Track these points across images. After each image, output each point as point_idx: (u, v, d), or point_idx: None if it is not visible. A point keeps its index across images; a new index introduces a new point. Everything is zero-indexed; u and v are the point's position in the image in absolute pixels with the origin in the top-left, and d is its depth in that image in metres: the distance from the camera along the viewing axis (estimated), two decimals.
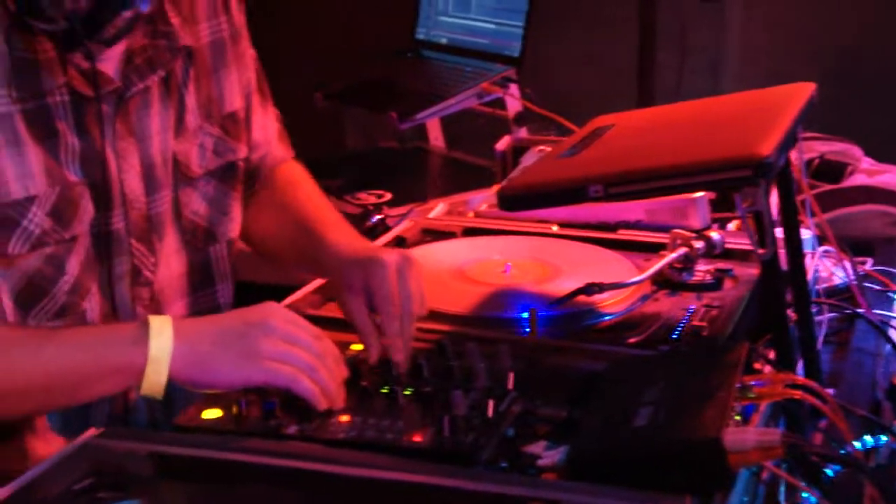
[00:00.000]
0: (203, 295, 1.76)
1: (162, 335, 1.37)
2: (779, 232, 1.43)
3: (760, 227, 1.33)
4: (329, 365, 1.37)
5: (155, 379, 1.35)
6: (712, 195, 1.90)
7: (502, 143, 2.40)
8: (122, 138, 1.58)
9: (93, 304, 1.58)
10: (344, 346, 1.49)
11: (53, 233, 1.52)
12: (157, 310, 1.67)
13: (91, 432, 1.27)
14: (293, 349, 1.37)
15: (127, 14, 1.49)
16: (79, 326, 1.51)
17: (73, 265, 1.55)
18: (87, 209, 1.55)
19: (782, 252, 1.45)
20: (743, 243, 1.73)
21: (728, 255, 1.71)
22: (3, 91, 1.45)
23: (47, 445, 1.54)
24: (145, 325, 1.37)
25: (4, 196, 1.47)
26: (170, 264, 1.68)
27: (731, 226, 1.91)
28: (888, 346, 1.73)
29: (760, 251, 1.34)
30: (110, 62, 1.54)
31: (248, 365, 1.36)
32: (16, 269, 1.50)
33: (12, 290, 1.51)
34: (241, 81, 1.76)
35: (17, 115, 1.47)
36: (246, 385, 1.35)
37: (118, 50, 1.54)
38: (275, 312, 1.41)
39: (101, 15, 1.47)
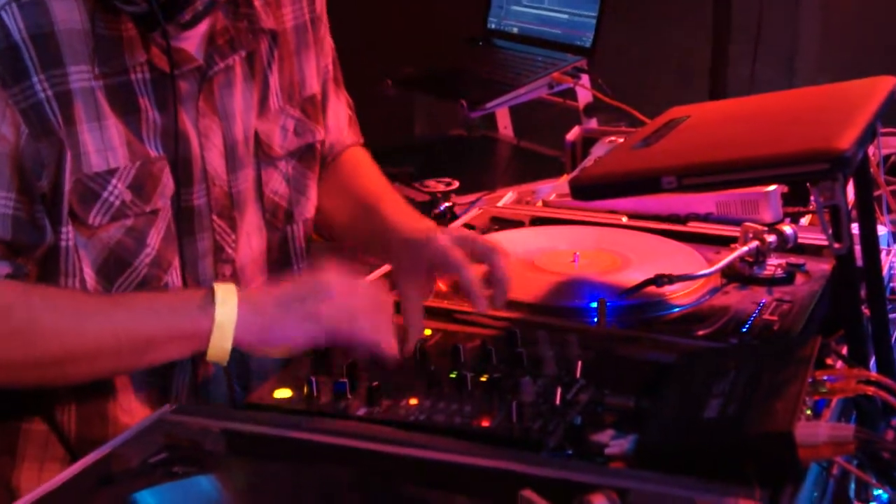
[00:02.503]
0: (281, 273, 1.77)
1: (227, 303, 1.43)
2: (854, 227, 1.42)
3: (836, 221, 1.32)
4: (387, 311, 1.47)
5: (220, 345, 1.42)
6: (785, 189, 1.90)
7: (572, 134, 2.40)
8: (205, 116, 1.61)
9: (175, 279, 1.61)
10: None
11: (133, 206, 1.55)
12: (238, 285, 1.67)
13: (167, 408, 1.30)
14: (352, 303, 1.45)
15: (199, 4, 1.53)
16: (149, 292, 1.55)
17: (154, 238, 1.58)
18: (168, 184, 1.57)
19: (857, 248, 1.44)
20: (815, 238, 1.72)
21: (800, 249, 1.70)
22: (85, 67, 1.48)
23: (127, 415, 1.58)
24: (211, 293, 1.43)
25: (87, 168, 1.50)
26: (250, 242, 1.71)
27: (804, 220, 1.90)
28: None
29: (836, 245, 1.33)
30: (192, 41, 1.58)
31: (309, 326, 1.43)
32: (97, 240, 1.54)
33: (94, 261, 1.55)
34: (319, 67, 1.79)
35: (98, 91, 1.50)
36: (309, 346, 1.42)
37: (200, 30, 1.57)
38: (330, 270, 1.48)
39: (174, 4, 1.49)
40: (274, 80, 1.72)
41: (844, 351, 1.39)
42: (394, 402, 1.31)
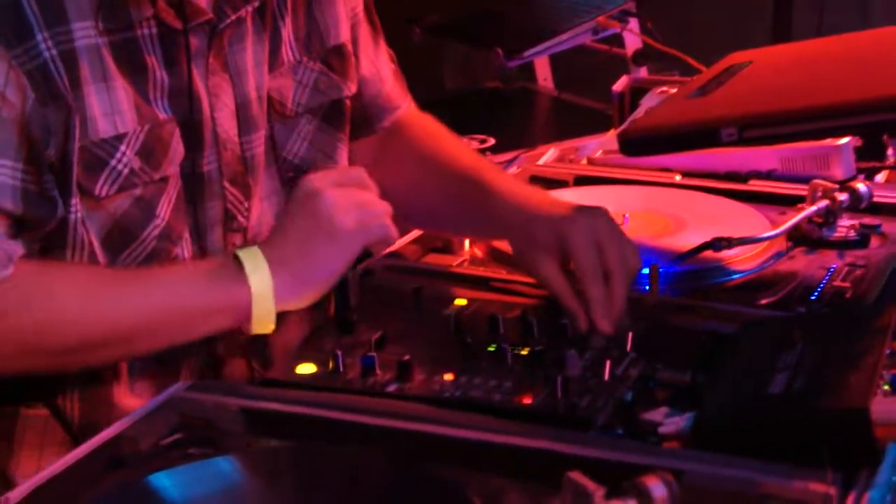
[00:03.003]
0: None
1: (259, 269, 1.45)
2: None
3: None
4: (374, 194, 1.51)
5: (264, 314, 1.44)
6: (858, 142, 1.89)
7: (620, 84, 2.40)
8: (215, 74, 1.59)
9: (184, 251, 1.60)
10: (447, 300, 1.51)
11: (142, 173, 1.53)
12: None
13: (180, 385, 1.31)
14: (362, 208, 1.47)
15: None
16: (168, 266, 1.54)
17: (164, 208, 1.57)
18: (178, 149, 1.56)
19: None
20: (892, 196, 1.72)
21: (875, 209, 1.70)
22: (89, 23, 1.46)
23: (133, 397, 1.58)
24: (238, 262, 1.45)
25: (93, 134, 1.48)
26: (265, 210, 1.69)
27: (880, 177, 1.89)
28: None
29: None
30: None
31: (338, 248, 1.46)
32: (103, 212, 1.52)
33: (99, 234, 1.53)
34: (347, 12, 1.76)
35: (104, 48, 1.48)
36: (349, 264, 1.48)
37: None
38: (324, 188, 1.48)
39: None
40: (287, 31, 1.69)
41: None
42: (427, 378, 1.32)
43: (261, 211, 1.69)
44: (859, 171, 1.86)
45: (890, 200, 1.72)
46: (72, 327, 1.45)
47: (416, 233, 1.75)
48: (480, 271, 1.61)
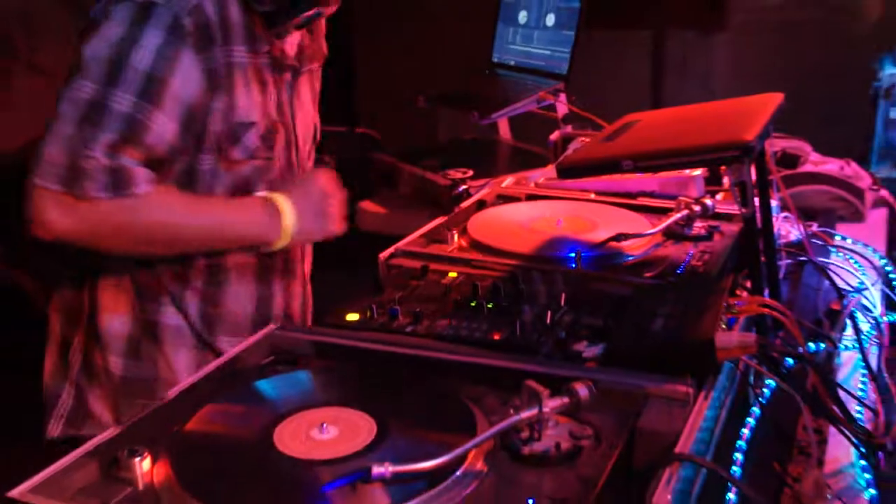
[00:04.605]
0: None
1: (287, 215, 1.63)
2: (755, 200, 1.44)
3: (744, 193, 1.34)
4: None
5: (281, 244, 1.65)
6: (706, 172, 1.91)
7: (554, 136, 2.42)
8: (296, 100, 1.74)
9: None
10: (444, 274, 1.50)
11: (261, 151, 1.66)
12: None
13: (271, 327, 1.30)
14: (338, 204, 1.69)
15: (309, 13, 1.66)
16: (227, 200, 1.67)
17: (266, 178, 1.69)
18: (281, 141, 1.69)
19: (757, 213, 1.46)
20: (727, 208, 1.73)
21: (717, 216, 1.71)
22: (243, 48, 1.60)
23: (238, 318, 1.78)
24: (274, 205, 1.64)
25: (236, 117, 1.60)
26: None
27: (719, 196, 1.91)
28: (826, 283, 1.74)
29: (744, 210, 1.35)
30: (291, 47, 1.71)
31: (329, 227, 1.69)
32: (233, 173, 1.64)
33: (228, 186, 1.65)
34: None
35: (248, 66, 1.62)
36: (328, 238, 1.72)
37: (296, 40, 1.72)
38: (329, 182, 1.69)
39: (293, 9, 1.64)
40: (317, 91, 1.85)
41: (749, 285, 1.41)
42: (431, 322, 1.33)
43: None
44: (707, 192, 1.88)
45: (726, 211, 1.73)
46: (155, 232, 1.57)
47: (423, 229, 1.72)
48: (465, 255, 1.60)
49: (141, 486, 0.98)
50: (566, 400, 1.03)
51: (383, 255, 1.57)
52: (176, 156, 1.59)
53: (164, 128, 1.54)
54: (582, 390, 1.03)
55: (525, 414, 1.01)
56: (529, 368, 1.17)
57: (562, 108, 2.70)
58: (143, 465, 0.98)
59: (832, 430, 1.25)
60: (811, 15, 4.21)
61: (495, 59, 3.03)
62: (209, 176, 1.64)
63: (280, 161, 1.71)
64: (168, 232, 1.59)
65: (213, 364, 1.20)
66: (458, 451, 0.98)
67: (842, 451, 1.27)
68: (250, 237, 1.66)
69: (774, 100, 1.50)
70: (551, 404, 1.02)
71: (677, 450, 0.99)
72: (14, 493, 0.97)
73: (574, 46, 2.72)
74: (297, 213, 1.64)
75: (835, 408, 1.19)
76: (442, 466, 0.97)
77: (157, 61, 1.52)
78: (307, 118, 1.81)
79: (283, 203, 1.64)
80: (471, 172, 2.46)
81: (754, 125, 1.30)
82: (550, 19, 2.80)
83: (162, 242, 1.61)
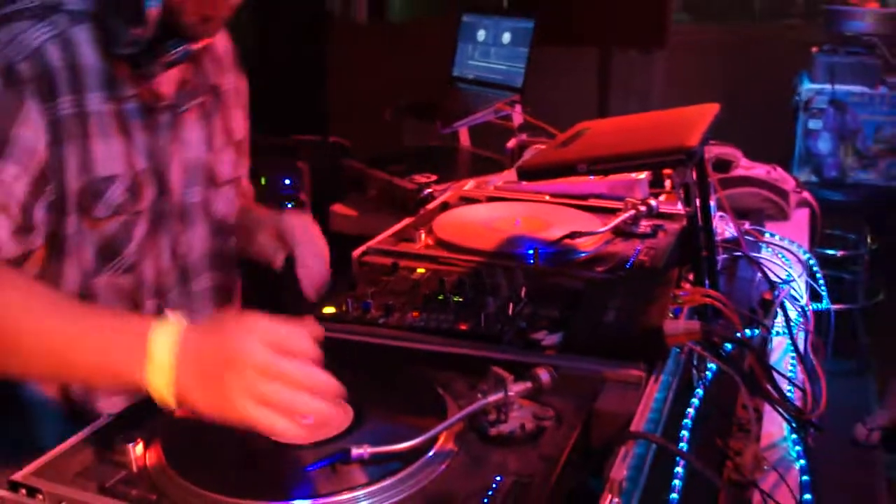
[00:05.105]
0: (222, 273, 1.59)
1: (159, 359, 0.97)
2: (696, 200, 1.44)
3: (688, 194, 1.34)
4: (314, 387, 0.96)
5: (158, 395, 0.98)
6: (650, 177, 1.91)
7: (511, 143, 2.41)
8: (173, 143, 1.44)
9: (149, 267, 1.45)
10: (412, 270, 1.48)
11: (127, 205, 1.38)
12: (187, 280, 1.52)
13: None
14: (271, 385, 0.94)
15: (177, 51, 1.36)
16: (100, 315, 1.10)
17: (138, 234, 1.41)
18: (150, 192, 1.41)
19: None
20: (670, 209, 1.73)
21: (660, 215, 1.71)
22: (100, 94, 1.33)
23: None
24: (145, 336, 0.98)
25: (95, 172, 1.33)
26: (198, 246, 1.53)
27: (662, 197, 1.91)
28: (759, 275, 1.75)
29: (687, 209, 1.35)
30: (169, 85, 1.42)
31: (226, 408, 0.94)
32: (98, 231, 1.37)
33: (94, 246, 1.37)
34: (242, 123, 1.63)
35: (106, 113, 1.34)
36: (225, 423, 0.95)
37: (174, 77, 1.42)
38: (254, 344, 0.95)
39: (159, 47, 1.35)
40: (217, 125, 1.54)
41: (692, 277, 1.41)
42: (402, 315, 1.31)
43: (193, 246, 1.52)
44: (651, 193, 1.87)
45: (669, 211, 1.73)
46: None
47: (392, 229, 1.68)
48: (432, 252, 1.58)
49: (135, 469, 0.96)
50: (529, 385, 1.02)
51: (356, 252, 1.55)
52: (30, 223, 1.28)
53: (12, 182, 1.24)
54: (544, 375, 1.03)
55: (492, 398, 1.00)
56: (494, 356, 1.16)
57: (517, 118, 2.69)
58: (137, 449, 0.97)
59: (767, 407, 1.25)
60: (738, 36, 4.26)
61: (456, 74, 3.02)
62: (76, 240, 1.36)
63: (150, 213, 1.43)
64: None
65: None
66: (430, 433, 0.97)
67: (776, 427, 1.28)
68: (104, 369, 1.01)
69: (712, 109, 1.50)
70: (516, 389, 1.01)
71: (632, 428, 0.99)
72: (17, 476, 0.95)
73: (528, 62, 2.71)
74: (180, 364, 0.97)
75: (769, 387, 1.19)
76: (416, 447, 0.96)
77: None
78: (192, 160, 1.49)
79: (163, 339, 0.98)
80: (435, 177, 2.44)
81: (696, 132, 1.30)
82: (506, 37, 2.80)
83: None
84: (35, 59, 1.27)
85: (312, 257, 1.55)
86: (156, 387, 0.97)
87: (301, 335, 0.98)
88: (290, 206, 2.82)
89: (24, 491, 0.93)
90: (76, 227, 1.35)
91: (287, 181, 2.82)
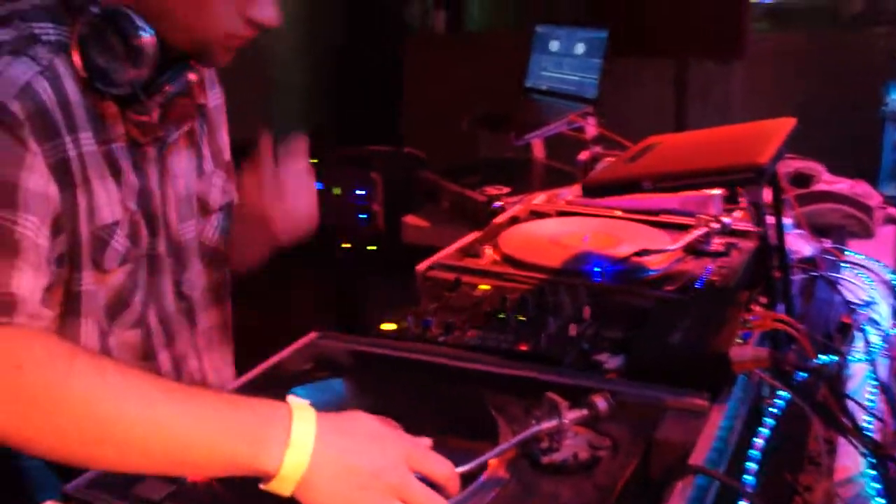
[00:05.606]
0: (221, 308, 1.49)
1: (302, 433, 0.88)
2: (769, 218, 1.39)
3: (758, 213, 1.29)
4: None
5: (279, 488, 0.88)
6: (724, 192, 1.85)
7: (583, 155, 2.37)
8: (163, 176, 1.33)
9: (153, 316, 1.34)
10: (475, 286, 1.45)
11: (130, 252, 1.27)
12: (193, 321, 1.42)
13: (313, 335, 1.26)
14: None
15: (177, 84, 1.25)
16: (217, 395, 0.94)
17: (142, 280, 1.30)
18: (144, 234, 1.29)
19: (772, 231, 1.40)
20: (744, 226, 1.67)
21: (733, 233, 1.66)
22: (89, 134, 1.19)
23: None
24: (282, 412, 0.90)
25: (99, 220, 1.21)
26: (197, 282, 1.43)
27: (737, 214, 1.85)
28: (838, 298, 1.68)
29: (758, 229, 1.30)
30: (154, 114, 1.26)
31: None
32: (105, 284, 1.25)
33: (105, 302, 1.25)
34: (227, 141, 1.51)
35: (99, 155, 1.21)
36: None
37: (158, 104, 1.26)
38: (396, 463, 0.89)
39: (155, 84, 1.23)
40: (206, 149, 1.43)
41: (763, 300, 1.35)
42: (461, 333, 1.29)
43: (194, 283, 1.42)
44: (725, 210, 1.82)
45: (743, 228, 1.68)
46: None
47: (459, 243, 1.67)
48: (496, 268, 1.55)
49: (183, 483, 0.95)
50: (585, 412, 0.99)
51: (420, 267, 1.53)
52: (51, 279, 1.14)
53: (35, 234, 1.09)
54: (601, 403, 0.99)
55: (545, 425, 0.97)
56: (551, 379, 1.13)
57: (591, 129, 2.64)
58: None
59: (842, 440, 1.19)
60: (823, 45, 4.13)
61: (529, 85, 2.99)
62: (89, 297, 1.23)
63: (147, 257, 1.31)
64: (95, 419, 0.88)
65: (256, 370, 1.17)
66: (480, 459, 0.94)
67: (851, 461, 1.21)
68: (228, 453, 0.88)
69: (787, 124, 1.44)
70: (570, 416, 0.98)
71: (692, 461, 0.94)
72: (69, 487, 0.95)
73: (601, 73, 2.66)
74: (316, 454, 0.88)
75: (844, 419, 1.13)
76: (466, 473, 0.93)
77: None
78: (183, 192, 1.37)
79: (306, 425, 0.89)
80: (506, 189, 2.41)
81: (768, 148, 1.25)
82: (579, 48, 2.76)
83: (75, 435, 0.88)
84: (26, 97, 1.11)
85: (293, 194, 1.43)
86: (286, 472, 0.86)
87: (444, 463, 0.92)
88: (363, 217, 2.83)
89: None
90: (90, 282, 1.22)
91: (360, 192, 2.82)
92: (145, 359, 1.34)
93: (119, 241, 1.24)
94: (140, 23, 1.18)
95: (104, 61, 1.17)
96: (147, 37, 1.18)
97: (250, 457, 0.87)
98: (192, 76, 1.27)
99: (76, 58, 1.17)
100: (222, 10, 1.22)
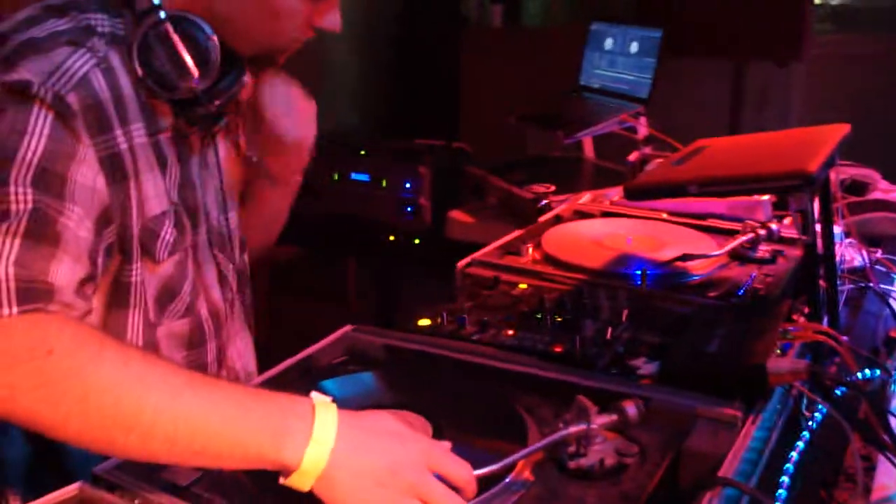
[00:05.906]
0: (246, 295, 1.49)
1: (324, 428, 0.89)
2: (818, 226, 1.35)
3: (805, 221, 1.26)
4: None
5: (300, 478, 0.88)
6: (774, 198, 1.82)
7: (633, 156, 2.34)
8: (204, 169, 1.33)
9: (202, 304, 1.34)
10: (514, 285, 1.45)
11: (178, 242, 1.26)
12: (232, 307, 1.40)
13: (347, 328, 1.26)
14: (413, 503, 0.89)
15: (235, 88, 1.24)
16: (241, 388, 0.95)
17: (190, 270, 1.30)
18: (187, 225, 1.28)
19: (820, 240, 1.37)
20: (792, 233, 1.63)
21: (781, 240, 1.62)
22: (140, 125, 1.19)
23: None
24: (304, 407, 0.90)
25: (149, 211, 1.21)
26: (237, 272, 1.43)
27: (786, 221, 1.82)
28: (888, 311, 1.63)
29: (805, 238, 1.27)
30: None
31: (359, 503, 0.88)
32: (157, 275, 1.24)
33: (155, 292, 1.25)
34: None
35: (149, 146, 1.21)
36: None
37: (214, 107, 1.25)
38: (416, 463, 0.90)
39: (214, 91, 1.22)
40: (242, 139, 1.44)
41: (806, 310, 1.32)
42: (497, 331, 1.29)
43: (235, 268, 1.42)
44: (773, 216, 1.78)
45: (791, 235, 1.64)
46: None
47: (501, 240, 1.66)
48: (536, 267, 1.54)
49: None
50: (614, 417, 0.98)
51: (460, 264, 1.53)
52: (94, 271, 1.12)
53: (77, 225, 1.08)
54: (630, 409, 0.98)
55: (573, 429, 0.96)
56: (583, 382, 1.11)
57: (642, 130, 2.61)
58: None
59: (881, 457, 1.15)
60: (888, 48, 4.02)
61: (582, 82, 2.96)
62: (139, 288, 1.22)
63: (193, 247, 1.31)
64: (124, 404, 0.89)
65: (289, 361, 1.17)
66: (506, 461, 0.94)
67: (890, 479, 1.17)
68: (250, 445, 0.88)
69: (841, 130, 1.41)
70: (599, 421, 0.96)
71: (721, 472, 0.92)
72: (99, 469, 0.95)
73: (655, 72, 2.62)
74: (337, 449, 0.88)
75: (885, 436, 1.09)
76: (491, 474, 0.92)
77: (48, 151, 1.06)
78: (218, 184, 1.37)
79: (329, 419, 0.89)
80: (553, 188, 2.39)
81: (818, 155, 1.22)
82: (634, 47, 2.72)
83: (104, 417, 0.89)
84: (83, 90, 1.11)
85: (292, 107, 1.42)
86: (307, 467, 0.87)
87: (463, 465, 0.91)
88: (409, 210, 2.82)
89: (104, 485, 0.94)
90: (140, 274, 1.22)
91: (408, 184, 2.82)
92: (192, 348, 1.33)
93: (168, 232, 1.24)
94: (209, 31, 1.18)
95: (167, 67, 1.18)
96: (214, 47, 1.19)
97: (272, 450, 0.87)
98: (247, 80, 1.27)
99: (136, 58, 1.17)
100: (291, 20, 1.22)
